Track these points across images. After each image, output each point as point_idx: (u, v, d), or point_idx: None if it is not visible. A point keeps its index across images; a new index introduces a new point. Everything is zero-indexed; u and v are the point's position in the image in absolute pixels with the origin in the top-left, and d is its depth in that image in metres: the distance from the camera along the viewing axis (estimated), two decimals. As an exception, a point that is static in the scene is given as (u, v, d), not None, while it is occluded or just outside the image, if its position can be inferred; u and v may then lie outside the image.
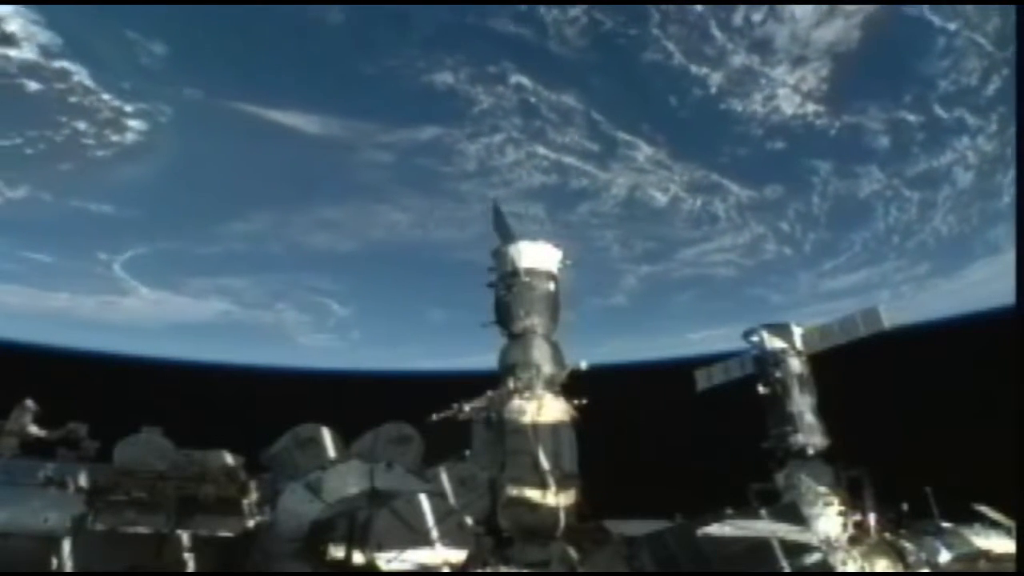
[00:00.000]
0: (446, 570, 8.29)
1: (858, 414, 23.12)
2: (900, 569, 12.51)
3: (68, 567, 7.79)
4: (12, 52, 46.44)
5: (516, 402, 12.01)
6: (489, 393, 12.32)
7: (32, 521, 8.08)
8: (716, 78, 43.57)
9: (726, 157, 50.12)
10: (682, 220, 52.21)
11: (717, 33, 41.74)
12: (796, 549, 10.09)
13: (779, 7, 40.34)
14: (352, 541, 8.10)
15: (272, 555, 8.59)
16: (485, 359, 13.67)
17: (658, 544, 10.83)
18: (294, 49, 53.64)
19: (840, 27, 40.88)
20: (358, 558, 7.97)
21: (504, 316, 13.24)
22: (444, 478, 10.11)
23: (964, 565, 12.70)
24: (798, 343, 15.51)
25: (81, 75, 48.41)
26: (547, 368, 12.61)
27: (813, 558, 10.20)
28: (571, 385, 12.89)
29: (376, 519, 8.15)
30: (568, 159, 48.86)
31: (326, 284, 69.17)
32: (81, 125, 50.86)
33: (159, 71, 51.23)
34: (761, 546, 9.98)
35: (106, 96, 49.74)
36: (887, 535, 13.19)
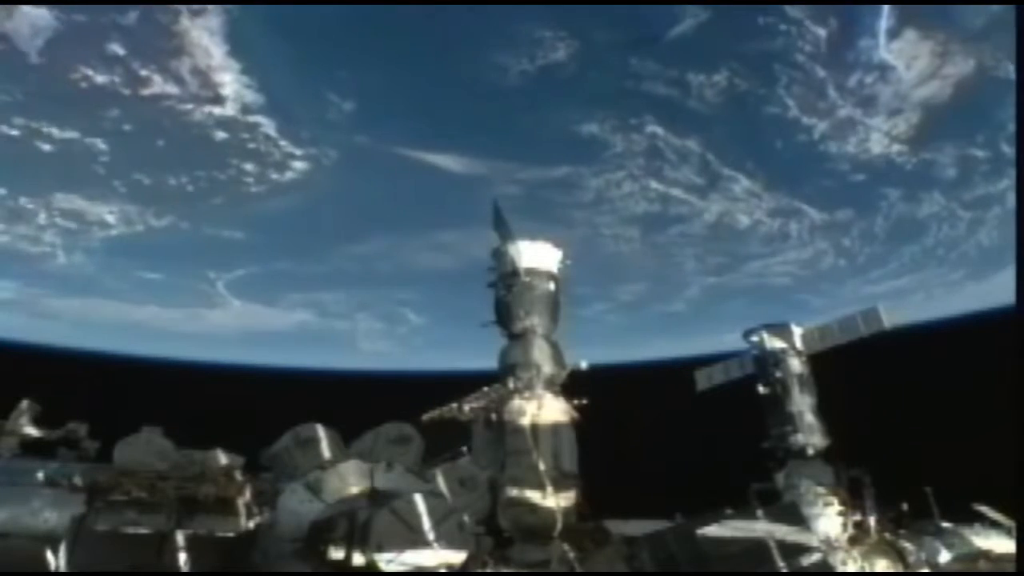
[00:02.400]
0: (446, 570, 8.29)
1: (858, 414, 23.13)
2: (900, 569, 12.51)
3: (68, 567, 7.79)
4: (216, 109, 51.73)
5: (516, 402, 12.02)
6: (485, 389, 12.32)
7: (32, 521, 8.08)
8: (821, 127, 51.86)
9: (811, 187, 58.79)
10: (758, 239, 59.73)
11: (832, 92, 50.01)
12: (794, 550, 10.09)
13: (889, 70, 48.30)
14: (352, 541, 8.09)
15: (272, 555, 8.59)
16: (485, 359, 13.69)
17: (658, 544, 10.83)
18: (465, 104, 60.74)
19: (936, 86, 48.71)
20: (358, 558, 7.97)
21: (504, 316, 13.24)
22: (440, 479, 10.09)
23: (964, 565, 12.70)
24: (798, 343, 15.50)
25: (268, 127, 53.26)
26: (547, 368, 12.62)
27: (811, 559, 10.20)
28: (571, 385, 12.90)
29: (376, 519, 8.14)
30: (675, 191, 56.45)
31: (410, 296, 71.45)
32: (248, 166, 55.26)
33: (339, 123, 56.94)
34: (760, 547, 9.99)
35: (283, 143, 54.21)
36: (887, 535, 13.19)
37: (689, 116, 54.30)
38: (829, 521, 12.94)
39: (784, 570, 9.84)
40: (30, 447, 9.39)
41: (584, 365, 13.05)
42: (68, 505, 8.19)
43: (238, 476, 9.13)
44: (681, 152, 54.44)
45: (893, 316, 15.52)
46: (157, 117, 52.03)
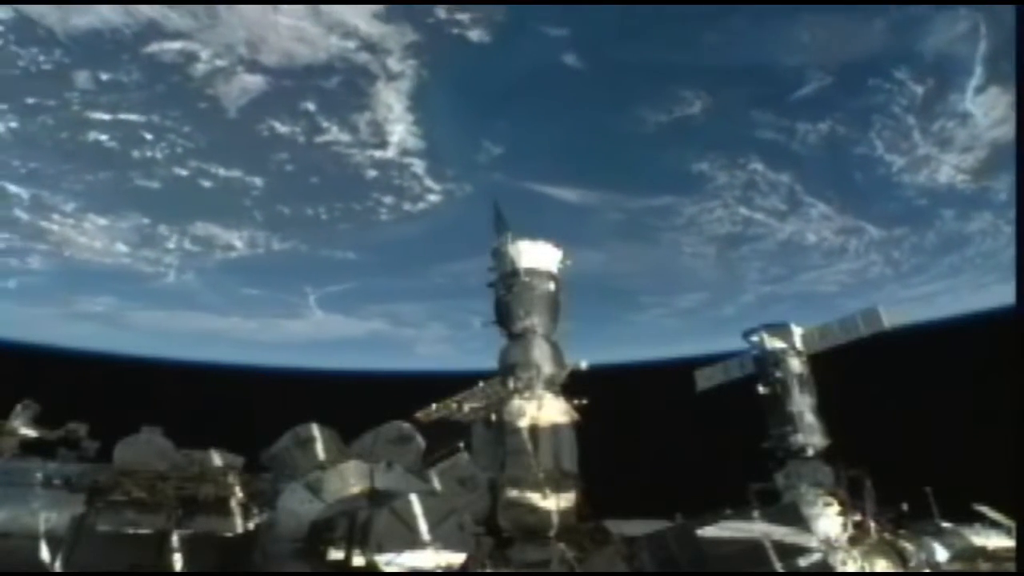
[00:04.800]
0: (446, 570, 8.28)
1: (858, 414, 23.12)
2: (900, 569, 12.49)
3: (68, 567, 7.79)
4: (378, 153, 55.50)
5: (516, 402, 12.01)
6: (481, 384, 12.32)
7: (32, 521, 8.08)
8: (900, 162, 58.43)
9: (877, 210, 65.30)
10: (819, 253, 65.38)
11: (917, 135, 56.40)
12: (792, 550, 10.09)
13: (970, 117, 53.89)
14: (352, 541, 8.09)
15: (272, 555, 8.59)
16: (486, 359, 13.69)
17: (658, 544, 10.83)
18: (599, 148, 67.22)
19: (1007, 129, 54.51)
20: (358, 558, 7.96)
21: (504, 316, 13.24)
22: (436, 480, 10.09)
23: (964, 563, 12.69)
24: (798, 343, 15.47)
25: (418, 167, 56.82)
26: (547, 368, 12.61)
27: (809, 559, 10.20)
28: (571, 385, 12.90)
29: (376, 519, 8.14)
30: (758, 215, 62.71)
31: (485, 306, 74.58)
32: (387, 199, 58.75)
33: (485, 163, 61.74)
34: (756, 548, 9.99)
35: (427, 181, 57.85)
36: (887, 535, 13.18)
37: (788, 154, 61.47)
38: (829, 521, 12.91)
39: (782, 570, 9.84)
40: (30, 447, 9.39)
41: (584, 365, 13.05)
42: (68, 505, 8.20)
43: (231, 476, 9.12)
44: (773, 184, 61.19)
45: (893, 316, 15.49)
46: (320, 159, 56.55)
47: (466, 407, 12.22)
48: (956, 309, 56.34)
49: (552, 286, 13.54)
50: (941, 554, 12.71)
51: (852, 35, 55.06)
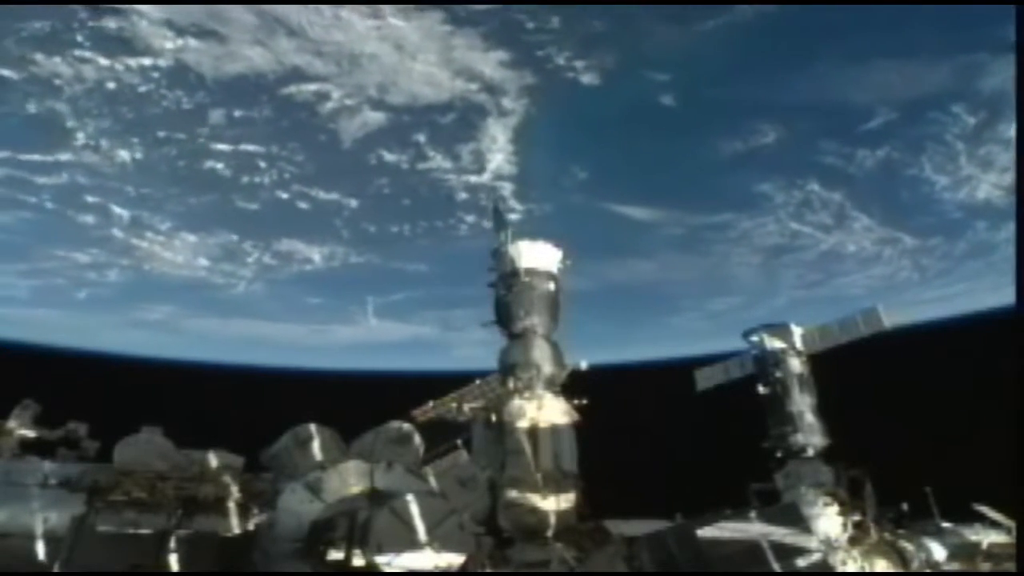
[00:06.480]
0: (446, 570, 8.29)
1: (858, 414, 23.12)
2: (900, 569, 12.50)
3: (68, 567, 7.79)
4: (473, 178, 58.64)
5: (516, 402, 12.02)
6: (478, 382, 12.32)
7: (32, 521, 8.09)
8: (944, 181, 60.96)
9: (916, 223, 67.98)
10: (855, 261, 67.80)
11: (964, 159, 59.09)
12: (790, 551, 10.09)
13: (1007, 139, 55.80)
14: (352, 541, 8.10)
15: (272, 555, 8.59)
16: (486, 359, 13.71)
17: (658, 544, 10.84)
18: (674, 172, 70.48)
19: None
20: (358, 558, 7.97)
21: (504, 316, 13.26)
22: (432, 477, 10.08)
23: (962, 560, 12.69)
24: (798, 343, 15.48)
25: (506, 190, 59.37)
26: (547, 368, 12.63)
27: (808, 560, 10.20)
28: (571, 385, 12.91)
29: (376, 519, 8.15)
30: (806, 229, 65.34)
31: None
32: (470, 218, 61.30)
33: (568, 186, 64.53)
34: (755, 548, 10.00)
35: (512, 201, 59.87)
36: (887, 535, 13.18)
37: (844, 177, 64.28)
38: (829, 521, 12.91)
39: (780, 571, 9.84)
40: (30, 447, 9.39)
41: (584, 365, 13.06)
42: (68, 505, 8.20)
43: (227, 477, 9.12)
44: (826, 201, 64.38)
45: (893, 316, 15.51)
46: (417, 183, 59.62)
47: (466, 407, 12.22)
48: (968, 309, 57.16)
49: (552, 286, 13.56)
50: (941, 554, 12.71)
51: (920, 77, 58.49)
